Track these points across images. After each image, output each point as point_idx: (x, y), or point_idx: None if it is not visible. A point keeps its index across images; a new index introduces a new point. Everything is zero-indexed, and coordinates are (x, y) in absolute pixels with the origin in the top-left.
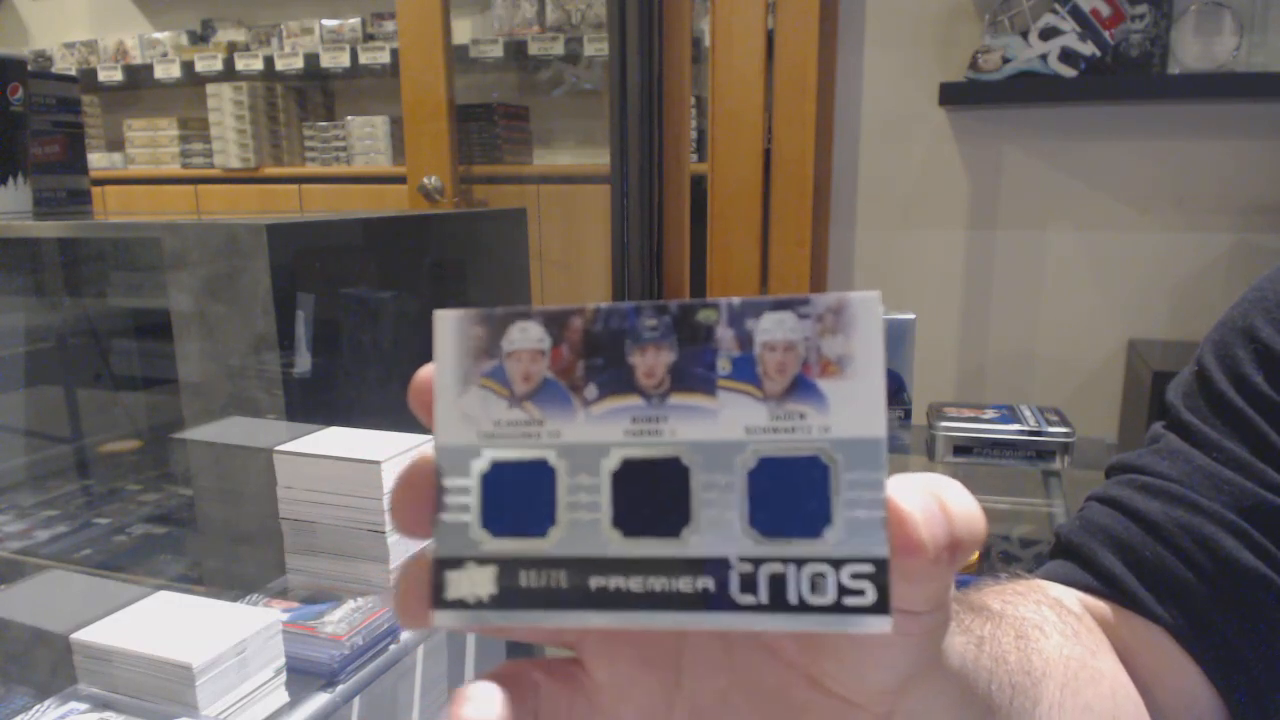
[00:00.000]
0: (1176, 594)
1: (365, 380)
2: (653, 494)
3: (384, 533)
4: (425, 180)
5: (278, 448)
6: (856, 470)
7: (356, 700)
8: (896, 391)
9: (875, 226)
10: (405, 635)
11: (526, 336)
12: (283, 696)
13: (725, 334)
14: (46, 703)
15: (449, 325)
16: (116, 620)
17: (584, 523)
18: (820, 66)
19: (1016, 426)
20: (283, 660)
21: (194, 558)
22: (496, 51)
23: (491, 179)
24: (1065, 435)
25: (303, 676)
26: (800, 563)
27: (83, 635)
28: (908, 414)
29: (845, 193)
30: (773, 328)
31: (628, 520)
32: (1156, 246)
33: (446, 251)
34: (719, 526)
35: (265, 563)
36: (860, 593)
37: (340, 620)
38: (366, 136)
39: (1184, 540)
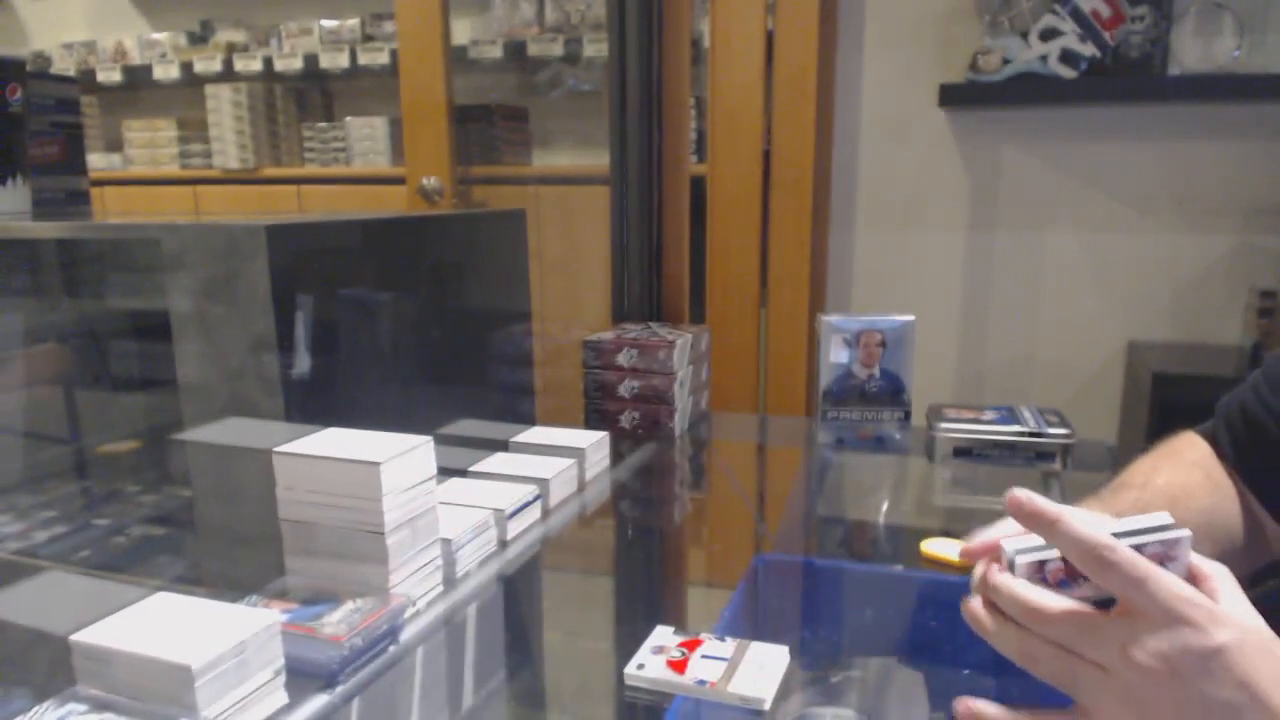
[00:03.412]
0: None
1: (364, 382)
2: None
3: (383, 534)
4: (424, 181)
5: (277, 449)
6: None
7: (356, 701)
8: (896, 393)
9: (875, 228)
10: (405, 636)
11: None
12: (282, 698)
13: None
14: (45, 704)
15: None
16: (115, 621)
17: None
18: (820, 68)
19: (1016, 428)
20: (282, 661)
21: (193, 559)
22: (496, 52)
23: (490, 180)
24: (1065, 436)
25: (302, 678)
26: None
27: (82, 636)
28: (907, 415)
29: (845, 194)
30: None
31: None
32: (1156, 248)
33: (445, 253)
34: None
35: (264, 564)
36: None
37: (339, 621)
38: (365, 138)
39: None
